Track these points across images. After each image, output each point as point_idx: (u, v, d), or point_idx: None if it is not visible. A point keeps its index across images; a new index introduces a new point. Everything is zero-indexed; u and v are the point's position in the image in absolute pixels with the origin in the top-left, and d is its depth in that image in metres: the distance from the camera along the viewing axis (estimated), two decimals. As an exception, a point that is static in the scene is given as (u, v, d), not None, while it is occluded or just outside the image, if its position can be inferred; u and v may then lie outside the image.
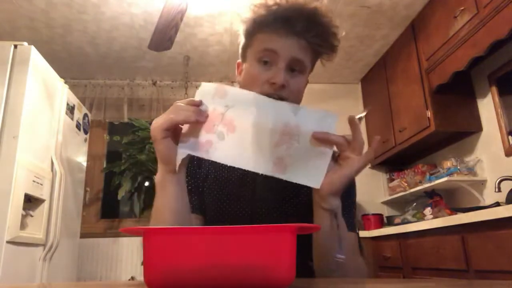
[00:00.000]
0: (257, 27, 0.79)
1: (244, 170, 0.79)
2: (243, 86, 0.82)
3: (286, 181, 0.80)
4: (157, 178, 0.69)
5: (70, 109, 2.53)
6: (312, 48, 0.79)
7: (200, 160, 0.89)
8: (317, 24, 0.76)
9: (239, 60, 0.87)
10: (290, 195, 0.84)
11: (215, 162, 0.84)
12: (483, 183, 2.43)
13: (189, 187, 0.86)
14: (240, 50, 0.86)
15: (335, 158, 0.70)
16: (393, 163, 3.28)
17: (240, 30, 0.83)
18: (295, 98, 0.79)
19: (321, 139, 0.67)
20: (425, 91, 2.57)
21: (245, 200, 0.84)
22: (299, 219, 0.79)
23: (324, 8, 0.77)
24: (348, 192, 0.86)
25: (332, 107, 3.66)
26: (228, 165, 0.69)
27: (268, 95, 0.75)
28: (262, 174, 0.79)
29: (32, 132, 2.02)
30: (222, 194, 0.86)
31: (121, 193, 2.77)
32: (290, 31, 0.76)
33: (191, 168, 0.90)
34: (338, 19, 0.80)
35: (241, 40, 0.84)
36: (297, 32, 0.76)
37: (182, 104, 0.64)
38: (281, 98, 0.76)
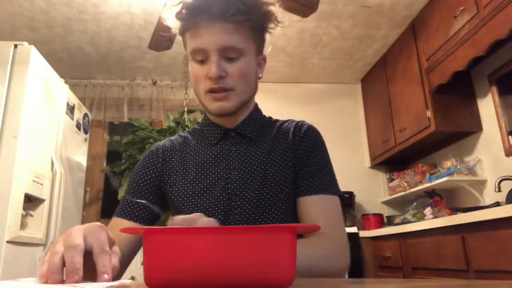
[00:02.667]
0: (183, 26, 0.79)
1: (217, 169, 0.82)
2: (194, 87, 0.83)
3: (262, 176, 0.81)
4: None
5: (70, 109, 2.53)
6: (243, 27, 0.75)
7: (165, 162, 0.88)
8: (232, 1, 0.73)
9: None
10: (268, 188, 0.80)
11: (183, 164, 0.86)
12: (483, 183, 2.43)
13: (143, 193, 0.86)
14: None
15: None
16: (393, 163, 3.28)
17: (175, 32, 0.82)
18: (242, 83, 0.78)
19: None
20: (425, 91, 2.57)
21: (220, 194, 0.81)
22: (278, 212, 0.80)
23: None
24: (312, 156, 0.84)
25: (332, 107, 3.67)
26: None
27: (212, 90, 0.77)
28: (236, 170, 0.81)
29: (32, 132, 2.02)
30: (194, 192, 0.83)
31: (121, 193, 2.77)
32: (209, 20, 0.73)
33: (151, 172, 0.87)
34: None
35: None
36: (217, 18, 0.73)
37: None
38: (226, 89, 0.77)
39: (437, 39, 2.43)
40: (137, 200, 0.86)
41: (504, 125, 2.27)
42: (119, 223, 0.84)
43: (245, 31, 0.76)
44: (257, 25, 0.78)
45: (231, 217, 0.79)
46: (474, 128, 2.49)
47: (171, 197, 0.85)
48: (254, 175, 0.81)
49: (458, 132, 2.53)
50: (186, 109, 3.08)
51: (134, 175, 0.89)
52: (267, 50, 0.87)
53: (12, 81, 1.96)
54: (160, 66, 3.40)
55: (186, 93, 3.36)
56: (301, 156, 0.84)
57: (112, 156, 3.55)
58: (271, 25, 0.81)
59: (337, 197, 0.83)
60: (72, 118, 2.56)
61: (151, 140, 2.81)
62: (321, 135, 0.89)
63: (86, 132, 2.84)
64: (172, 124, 2.96)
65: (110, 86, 3.53)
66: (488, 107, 2.41)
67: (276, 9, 0.80)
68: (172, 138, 0.94)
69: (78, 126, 2.67)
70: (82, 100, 3.13)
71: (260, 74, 0.86)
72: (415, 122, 2.68)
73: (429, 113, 2.52)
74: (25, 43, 2.05)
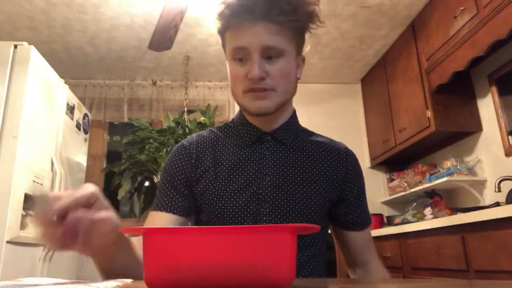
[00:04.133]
0: (224, 26, 0.79)
1: (249, 172, 0.81)
2: (231, 87, 0.81)
3: (296, 186, 0.81)
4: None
5: (70, 109, 2.53)
6: (284, 27, 0.75)
7: (198, 159, 0.84)
8: (276, 1, 0.73)
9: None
10: (299, 199, 0.80)
11: (215, 162, 0.84)
12: (483, 183, 2.43)
13: (179, 187, 0.83)
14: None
15: None
16: (393, 163, 3.28)
17: (215, 31, 0.83)
18: (282, 83, 0.77)
19: None
20: (425, 91, 2.57)
21: (250, 199, 0.79)
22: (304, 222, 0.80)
23: None
24: (358, 187, 0.88)
25: (332, 107, 3.66)
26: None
27: (252, 90, 0.76)
28: (269, 176, 0.80)
29: (32, 132, 2.02)
30: (224, 193, 0.80)
31: (121, 193, 2.77)
32: (252, 20, 0.73)
33: (184, 167, 0.84)
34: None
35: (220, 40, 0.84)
36: (260, 18, 0.73)
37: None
38: (266, 89, 0.76)
39: (437, 39, 2.43)
40: (173, 192, 0.83)
41: (504, 125, 2.27)
42: (156, 216, 0.82)
43: (287, 31, 0.75)
44: (299, 25, 0.77)
45: (258, 223, 0.78)
46: (474, 128, 2.49)
47: (199, 195, 0.82)
48: (288, 184, 0.80)
49: (458, 132, 2.53)
50: (186, 109, 3.08)
51: (167, 169, 0.86)
52: (306, 49, 0.85)
53: (12, 81, 1.96)
54: (160, 66, 3.40)
55: (186, 93, 3.36)
56: (351, 189, 0.87)
57: (112, 156, 3.55)
58: (313, 26, 0.80)
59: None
60: (72, 118, 2.56)
61: (151, 140, 2.81)
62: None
63: (86, 132, 2.84)
64: (172, 124, 2.96)
65: (110, 86, 3.53)
66: (488, 107, 2.41)
67: (319, 9, 0.79)
68: (203, 133, 0.90)
69: (78, 126, 2.67)
70: (82, 100, 3.13)
71: (299, 75, 0.84)
72: (415, 122, 2.68)
73: (429, 113, 2.51)
74: (25, 43, 2.05)
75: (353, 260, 0.90)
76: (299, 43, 0.81)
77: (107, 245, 0.55)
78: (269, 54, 0.75)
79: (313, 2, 0.77)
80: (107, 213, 0.53)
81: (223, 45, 0.82)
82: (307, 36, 0.83)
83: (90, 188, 0.52)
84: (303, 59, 0.85)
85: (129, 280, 0.52)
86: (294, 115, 0.89)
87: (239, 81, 0.77)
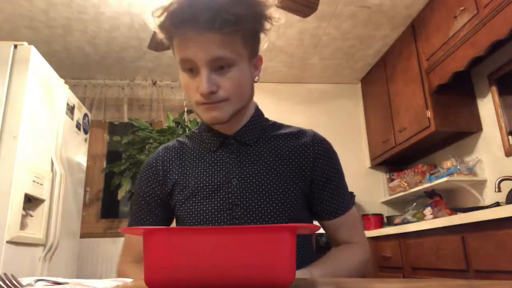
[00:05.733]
0: (167, 34, 0.74)
1: (217, 177, 0.81)
2: (186, 95, 0.79)
3: (266, 185, 0.80)
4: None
5: (70, 109, 2.53)
6: (231, 36, 0.69)
7: (165, 172, 0.85)
8: (219, 10, 0.66)
9: None
10: (269, 197, 0.79)
11: (183, 172, 0.85)
12: (483, 183, 2.43)
13: (150, 206, 0.86)
14: None
15: None
16: (393, 163, 3.28)
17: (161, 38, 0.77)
18: (236, 93, 0.74)
19: None
20: (425, 91, 2.57)
21: (220, 204, 0.79)
22: (282, 221, 0.79)
23: None
24: (332, 173, 0.84)
25: (332, 107, 3.67)
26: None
27: (204, 104, 0.74)
28: (236, 179, 0.80)
29: (32, 132, 2.02)
30: (195, 201, 0.80)
31: (121, 193, 2.77)
32: (196, 30, 0.68)
33: (153, 185, 0.86)
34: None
35: None
36: (205, 28, 0.67)
37: None
38: (218, 101, 0.73)
39: (437, 39, 2.43)
40: (146, 209, 0.86)
41: (504, 125, 2.27)
42: (132, 238, 0.85)
43: (235, 39, 0.70)
44: (248, 31, 0.73)
45: None
46: (474, 128, 2.49)
47: (175, 207, 0.84)
48: (256, 184, 0.79)
49: (458, 132, 2.53)
50: (186, 109, 3.08)
51: (137, 188, 0.88)
52: (263, 47, 0.81)
53: (12, 81, 1.96)
54: (160, 66, 3.40)
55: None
56: (320, 176, 0.83)
57: (112, 156, 3.55)
58: (266, 26, 0.76)
59: (354, 207, 0.87)
60: (72, 118, 2.56)
61: (151, 140, 2.81)
62: (333, 147, 0.88)
63: (86, 132, 2.84)
64: (172, 124, 2.96)
65: (110, 86, 3.53)
66: (488, 107, 2.41)
67: (269, 10, 0.74)
68: (169, 144, 0.91)
69: (78, 126, 2.67)
70: (82, 100, 3.13)
71: (257, 77, 0.81)
72: (415, 122, 2.68)
73: (429, 113, 2.51)
74: (25, 43, 2.05)
75: (333, 245, 0.88)
76: (253, 46, 0.77)
77: None
78: (219, 65, 0.71)
79: (260, 6, 0.72)
80: None
81: (173, 52, 0.76)
82: (263, 35, 0.78)
83: None
84: (260, 59, 0.82)
85: (129, 280, 0.52)
86: (256, 113, 0.87)
87: (191, 93, 0.74)
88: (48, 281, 0.51)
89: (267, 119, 0.90)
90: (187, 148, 0.88)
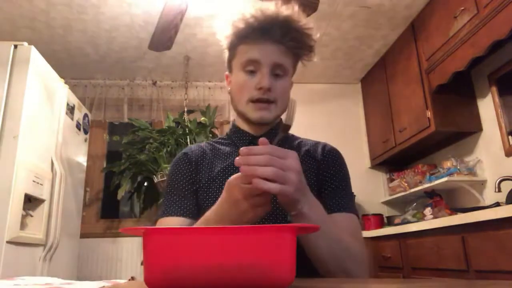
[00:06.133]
0: (238, 40, 0.87)
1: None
2: (234, 95, 0.90)
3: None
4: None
5: (70, 109, 2.53)
6: (291, 52, 0.86)
7: (197, 166, 0.92)
8: (292, 30, 0.84)
9: (227, 72, 0.95)
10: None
11: (214, 167, 0.89)
12: (483, 183, 2.43)
13: (185, 192, 0.89)
14: (226, 63, 0.94)
15: None
16: (393, 163, 3.28)
17: (224, 44, 0.91)
18: (282, 99, 0.87)
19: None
20: (425, 91, 2.57)
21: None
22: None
23: (296, 15, 0.84)
24: (335, 175, 0.89)
25: (332, 107, 3.67)
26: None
27: (258, 100, 0.84)
28: None
29: (32, 132, 2.02)
30: (219, 195, 0.82)
31: (121, 193, 2.77)
32: (268, 40, 0.84)
33: (188, 173, 0.91)
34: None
35: (225, 53, 0.93)
36: (275, 40, 0.84)
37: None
38: (269, 101, 0.84)
39: (437, 39, 2.43)
40: (181, 196, 0.88)
41: (504, 125, 2.27)
42: (167, 221, 0.86)
43: (291, 55, 0.87)
44: (301, 53, 0.88)
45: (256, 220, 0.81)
46: (474, 128, 2.49)
47: (202, 197, 0.88)
48: None
49: (458, 132, 2.53)
50: (186, 109, 3.08)
51: (172, 176, 0.93)
52: (293, 76, 0.94)
53: (12, 81, 1.96)
54: (160, 66, 3.40)
55: (186, 93, 3.36)
56: (325, 177, 0.89)
57: (112, 156, 3.55)
58: (307, 56, 0.90)
59: (356, 216, 0.87)
60: (72, 119, 2.56)
61: (151, 140, 2.81)
62: (343, 158, 0.95)
63: (86, 132, 2.84)
64: (172, 124, 2.96)
65: (110, 86, 3.53)
66: (488, 107, 2.41)
67: (315, 45, 0.89)
68: (202, 144, 0.99)
69: (78, 126, 2.67)
70: (82, 100, 3.13)
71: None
72: (415, 122, 2.68)
73: (429, 113, 2.51)
74: (25, 43, 2.05)
75: None
76: (295, 68, 0.93)
77: None
78: (276, 72, 0.85)
79: (314, 39, 0.88)
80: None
81: (231, 58, 0.91)
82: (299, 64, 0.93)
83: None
84: (292, 84, 0.94)
85: (122, 281, 0.52)
86: (279, 121, 0.95)
87: (246, 91, 0.85)
88: (24, 279, 0.51)
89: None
90: (216, 149, 0.96)
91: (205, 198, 0.87)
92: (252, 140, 0.91)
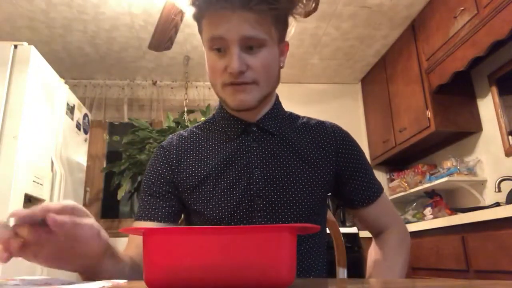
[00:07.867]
0: (200, 11, 0.73)
1: (237, 167, 0.78)
2: (209, 78, 0.76)
3: (289, 176, 0.78)
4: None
5: (70, 109, 2.53)
6: (265, 16, 0.69)
7: (179, 161, 0.81)
8: None
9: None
10: (292, 189, 0.76)
11: (200, 162, 0.80)
12: (483, 183, 2.43)
13: (161, 193, 0.79)
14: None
15: None
16: (393, 163, 3.28)
17: (190, 15, 0.76)
18: (265, 76, 0.73)
19: None
20: (425, 91, 2.57)
21: (241, 196, 0.76)
22: (306, 217, 0.77)
23: None
24: (356, 160, 0.85)
25: (332, 107, 3.66)
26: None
27: (232, 84, 0.71)
28: (258, 169, 0.77)
29: (32, 132, 2.02)
30: (214, 193, 0.77)
31: (121, 193, 2.77)
32: (230, 7, 0.67)
33: (164, 170, 0.80)
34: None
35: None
36: (239, 6, 0.67)
37: None
38: (247, 83, 0.71)
39: (437, 39, 2.43)
40: (155, 199, 0.79)
41: (504, 125, 2.27)
42: (140, 226, 0.77)
43: (268, 20, 0.70)
44: (281, 12, 0.72)
45: (254, 220, 0.75)
46: (474, 128, 2.49)
47: (189, 199, 0.78)
48: (279, 175, 0.76)
49: (458, 132, 2.53)
50: (186, 109, 3.08)
51: (147, 175, 0.82)
52: (290, 33, 0.79)
53: (12, 81, 1.96)
54: (160, 66, 3.40)
55: (186, 93, 3.36)
56: (346, 166, 0.83)
57: (112, 156, 3.55)
58: (297, 9, 0.74)
59: (383, 189, 0.87)
60: (72, 118, 2.56)
61: (151, 140, 2.81)
62: (351, 135, 0.91)
63: (86, 132, 2.84)
64: (172, 124, 2.96)
65: (110, 86, 3.53)
66: (488, 107, 2.41)
67: None
68: (183, 133, 0.85)
69: (78, 126, 2.67)
70: (82, 100, 3.13)
71: (282, 63, 0.80)
72: (415, 122, 2.68)
73: (429, 113, 2.51)
74: (25, 43, 2.05)
75: (371, 232, 0.89)
76: (282, 30, 0.76)
77: (93, 255, 0.53)
78: (250, 45, 0.70)
79: None
80: (89, 220, 0.51)
81: (200, 32, 0.76)
82: (291, 20, 0.77)
83: (67, 202, 0.51)
84: (287, 45, 0.80)
85: (122, 281, 0.51)
86: (277, 102, 0.86)
87: (218, 74, 0.72)
88: (24, 280, 0.51)
89: (284, 110, 0.89)
90: (203, 137, 0.84)
91: (196, 200, 0.77)
92: (246, 128, 0.80)
